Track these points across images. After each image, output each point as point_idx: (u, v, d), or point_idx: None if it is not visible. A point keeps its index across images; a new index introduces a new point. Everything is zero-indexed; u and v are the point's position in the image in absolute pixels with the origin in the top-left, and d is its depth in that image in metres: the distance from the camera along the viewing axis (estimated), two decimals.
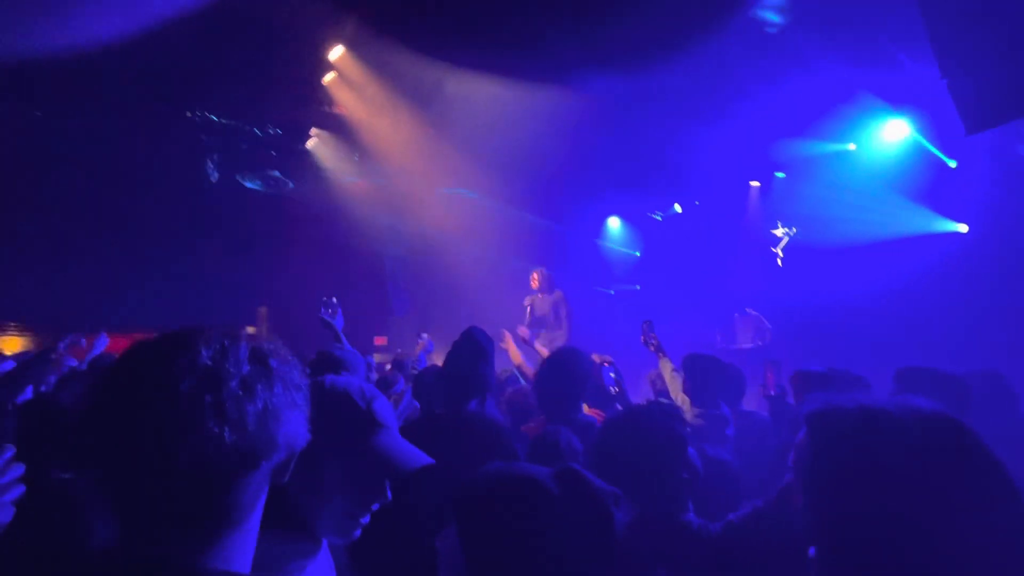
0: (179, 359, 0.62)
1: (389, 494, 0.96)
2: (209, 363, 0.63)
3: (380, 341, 10.77)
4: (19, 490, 0.82)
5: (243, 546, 0.65)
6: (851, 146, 7.88)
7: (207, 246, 8.87)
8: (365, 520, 0.94)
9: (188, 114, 6.70)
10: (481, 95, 6.57)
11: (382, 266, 10.05)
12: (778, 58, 6.03)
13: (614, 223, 10.71)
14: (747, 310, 7.85)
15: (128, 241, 8.41)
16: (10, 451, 0.81)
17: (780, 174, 8.99)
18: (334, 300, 2.68)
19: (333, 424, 0.90)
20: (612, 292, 10.51)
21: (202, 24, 5.21)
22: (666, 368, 3.26)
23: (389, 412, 1.04)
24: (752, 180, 9.22)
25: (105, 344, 4.65)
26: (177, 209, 8.28)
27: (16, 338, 9.21)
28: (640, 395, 4.04)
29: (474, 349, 2.08)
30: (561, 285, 6.82)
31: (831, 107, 6.89)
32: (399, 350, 10.24)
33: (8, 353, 8.05)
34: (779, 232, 8.49)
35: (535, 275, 6.48)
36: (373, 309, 10.43)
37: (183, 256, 8.63)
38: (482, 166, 7.91)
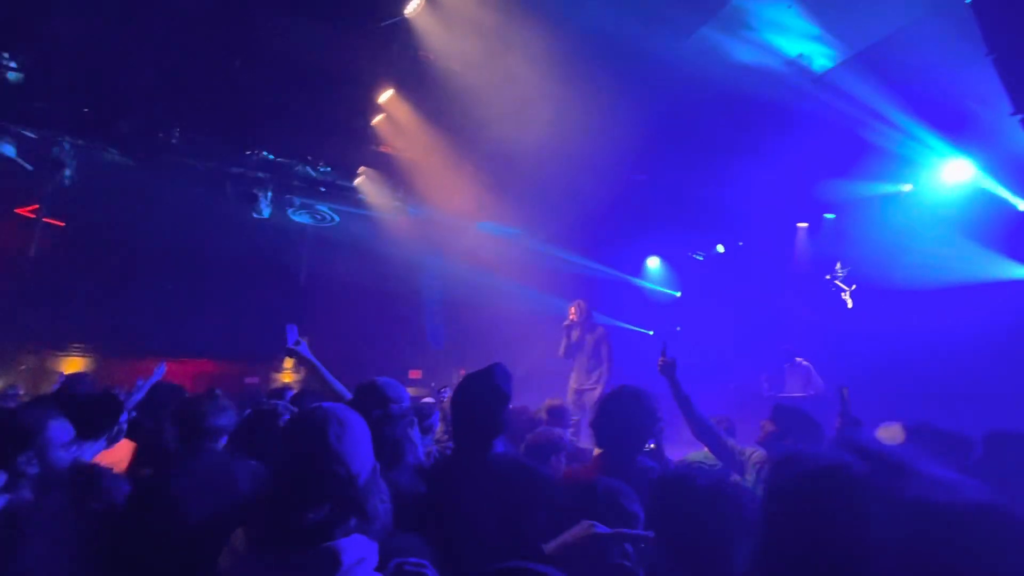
0: None
1: None
2: None
3: (415, 374, 10.80)
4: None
5: None
6: (907, 187, 7.56)
7: (254, 279, 9.25)
8: None
9: (247, 152, 7.10)
10: (523, 135, 6.70)
11: (420, 300, 10.17)
12: (827, 97, 5.93)
13: (653, 263, 10.54)
14: (797, 359, 7.44)
15: (181, 273, 8.87)
16: None
17: (830, 215, 8.69)
18: (295, 327, 2.58)
19: None
20: (651, 333, 10.23)
21: (266, 69, 5.60)
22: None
23: None
24: (800, 221, 8.94)
25: (163, 372, 4.84)
26: (229, 243, 8.71)
27: (78, 359, 9.74)
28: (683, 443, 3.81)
29: (494, 390, 2.00)
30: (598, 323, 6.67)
31: (885, 147, 6.66)
32: (433, 384, 10.24)
33: (66, 372, 8.50)
34: (841, 272, 8.18)
35: (573, 308, 6.38)
36: (409, 342, 10.52)
37: (232, 288, 9.02)
38: (522, 204, 8.00)
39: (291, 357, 2.34)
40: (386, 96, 6.64)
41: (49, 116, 6.34)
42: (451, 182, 7.90)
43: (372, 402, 1.89)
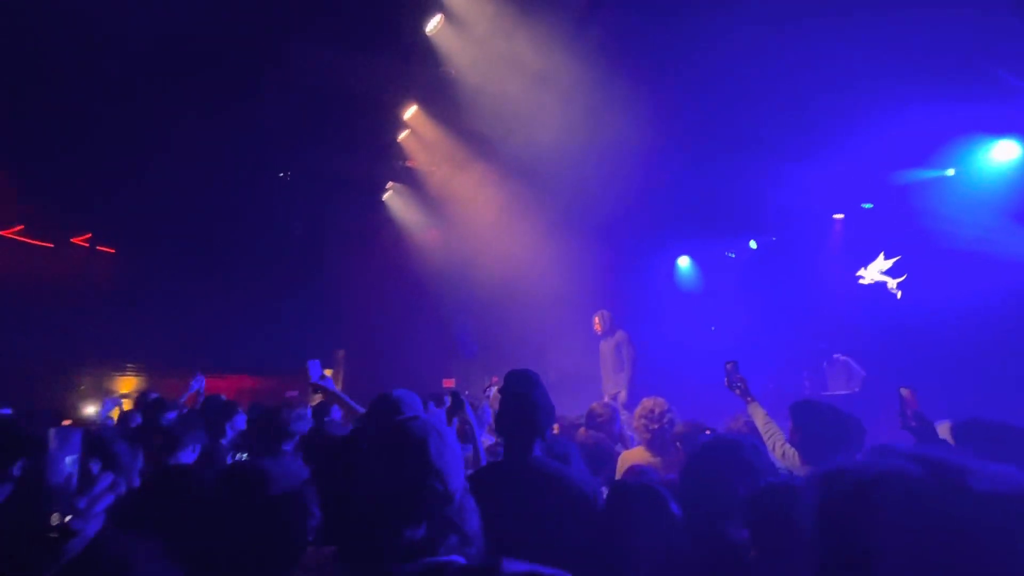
0: None
1: None
2: None
3: (448, 383, 10.92)
4: (108, 499, 0.83)
5: None
6: (950, 171, 7.25)
7: (291, 294, 9.57)
8: None
9: (280, 175, 7.39)
10: (549, 140, 6.74)
11: (449, 310, 10.30)
12: (864, 86, 5.75)
13: (684, 262, 10.38)
14: (836, 356, 7.21)
15: (225, 292, 9.25)
16: (97, 463, 0.83)
17: (867, 205, 8.40)
18: (318, 363, 2.66)
19: None
20: (712, 329, 10.00)
21: (292, 96, 5.83)
22: (757, 414, 2.92)
23: None
24: (836, 213, 8.67)
25: (202, 383, 5.08)
26: (265, 262, 9.05)
27: (131, 377, 10.26)
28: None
29: (534, 390, 1.98)
30: (630, 326, 6.62)
31: (927, 133, 6.39)
32: (467, 392, 10.33)
33: (123, 391, 8.97)
34: (886, 264, 7.89)
35: (596, 319, 6.36)
36: (441, 352, 10.66)
37: (270, 307, 9.36)
38: (549, 210, 8.02)
39: (317, 392, 2.39)
40: (410, 112, 6.81)
41: None
42: (477, 191, 8.00)
43: (389, 415, 1.87)
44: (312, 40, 5.27)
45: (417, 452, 1.13)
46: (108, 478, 0.84)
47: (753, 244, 9.70)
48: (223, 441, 3.58)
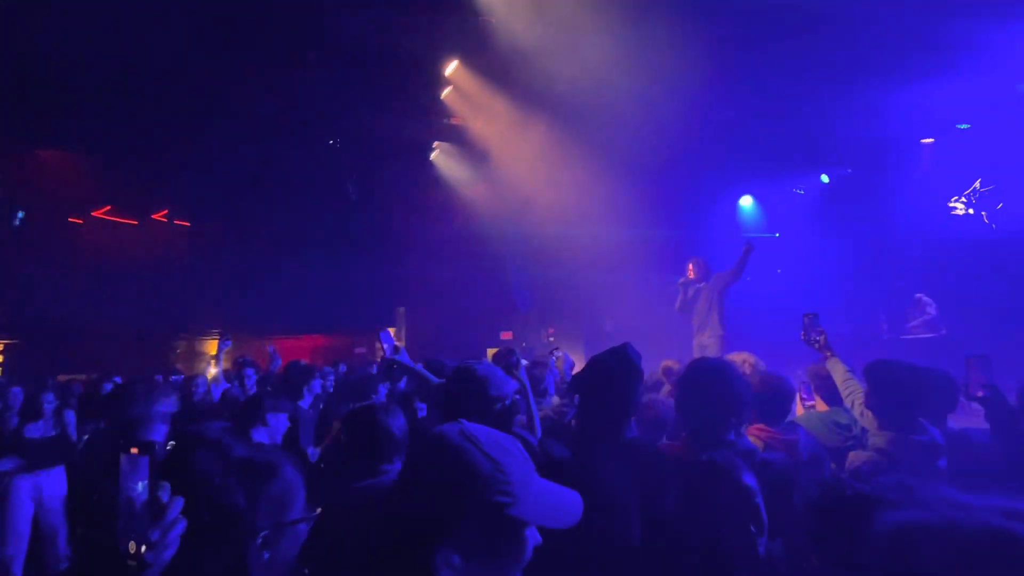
0: None
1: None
2: None
3: (506, 336, 11.19)
4: (182, 525, 0.80)
5: None
6: None
7: (352, 256, 9.96)
8: None
9: (330, 142, 7.50)
10: (596, 85, 6.38)
11: (505, 264, 10.36)
12: None
13: (747, 202, 9.78)
14: (918, 296, 6.69)
15: (291, 257, 9.78)
16: (167, 488, 0.81)
17: (964, 125, 7.45)
18: (390, 334, 2.56)
19: None
20: (779, 272, 9.53)
21: (336, 62, 5.80)
22: (837, 370, 2.65)
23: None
24: (924, 138, 7.77)
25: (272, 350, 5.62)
26: (326, 226, 9.41)
27: (215, 341, 11.25)
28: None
29: (630, 368, 1.87)
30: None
31: None
32: (524, 343, 10.56)
33: (211, 353, 9.87)
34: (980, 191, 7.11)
35: (691, 265, 6.17)
36: (498, 305, 10.85)
37: (336, 267, 9.82)
38: (601, 158, 7.71)
39: (392, 366, 2.36)
40: (451, 68, 6.61)
41: None
42: (524, 142, 7.78)
43: (472, 400, 1.81)
44: (348, 2, 5.16)
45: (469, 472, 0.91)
46: (179, 504, 0.81)
47: (825, 178, 8.96)
48: (302, 404, 3.90)
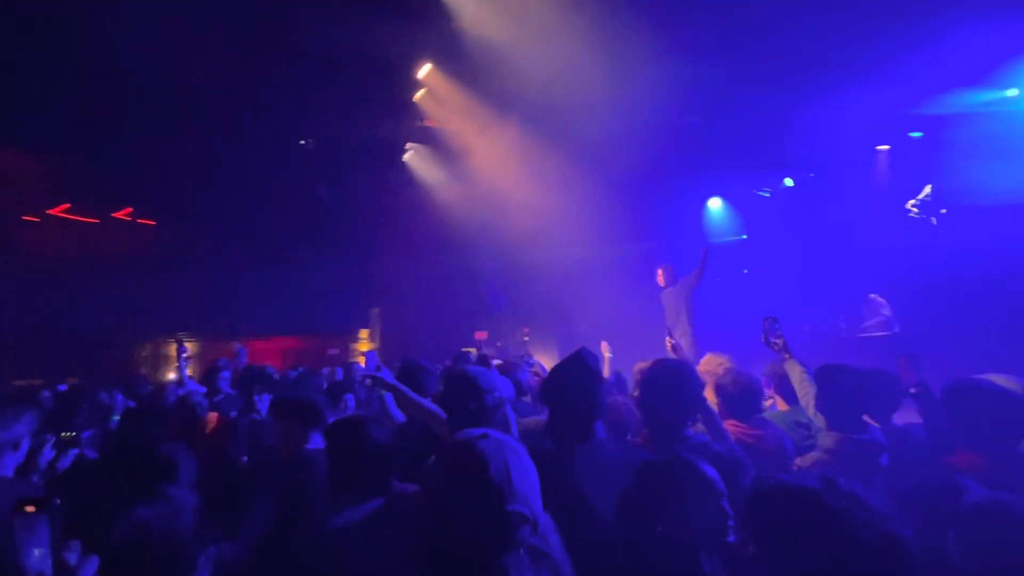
0: None
1: None
2: None
3: (481, 335, 11.23)
4: None
5: None
6: (1012, 92, 6.63)
7: (325, 257, 9.85)
8: None
9: (301, 142, 7.41)
10: (565, 89, 6.46)
11: (479, 265, 10.40)
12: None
13: (715, 204, 10.05)
14: (872, 296, 7.00)
15: (262, 258, 9.61)
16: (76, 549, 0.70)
17: (916, 133, 7.82)
18: (374, 354, 2.67)
19: None
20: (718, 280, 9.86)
21: (307, 64, 5.73)
22: (794, 372, 2.75)
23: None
24: (880, 144, 8.13)
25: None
26: (297, 228, 9.29)
27: (189, 343, 10.97)
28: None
29: (590, 375, 1.99)
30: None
31: (986, 50, 5.76)
32: (499, 343, 10.62)
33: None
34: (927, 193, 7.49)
35: (660, 271, 6.33)
36: (472, 305, 10.88)
37: (306, 270, 9.69)
38: (572, 160, 7.81)
39: (375, 384, 2.38)
40: (425, 71, 6.61)
41: None
42: (497, 144, 7.83)
43: (467, 395, 1.94)
44: (320, 4, 5.11)
45: (496, 478, 1.01)
46: (93, 564, 0.68)
47: (789, 181, 9.27)
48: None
